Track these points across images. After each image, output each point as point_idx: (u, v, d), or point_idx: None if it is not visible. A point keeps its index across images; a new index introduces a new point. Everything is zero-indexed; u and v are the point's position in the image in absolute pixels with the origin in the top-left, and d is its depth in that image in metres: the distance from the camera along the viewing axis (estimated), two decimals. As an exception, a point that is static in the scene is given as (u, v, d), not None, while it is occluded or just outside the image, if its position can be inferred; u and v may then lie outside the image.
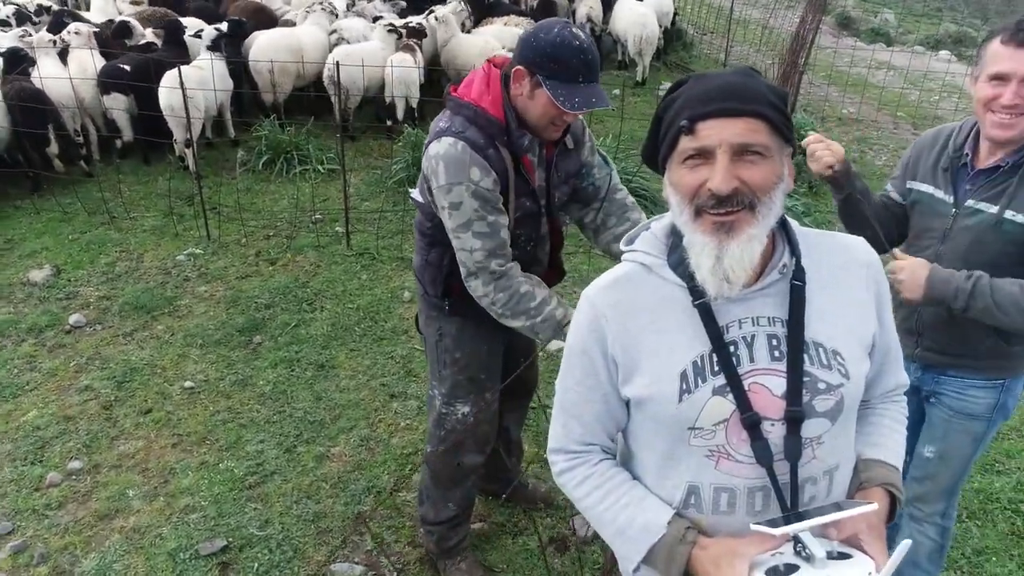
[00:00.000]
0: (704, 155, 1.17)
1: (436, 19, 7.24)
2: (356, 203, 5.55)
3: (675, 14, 10.00)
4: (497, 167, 1.93)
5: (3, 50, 5.95)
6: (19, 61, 5.82)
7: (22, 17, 7.37)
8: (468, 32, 7.85)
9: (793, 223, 1.31)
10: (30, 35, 6.46)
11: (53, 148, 5.78)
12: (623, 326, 1.27)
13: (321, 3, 7.42)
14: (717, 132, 1.15)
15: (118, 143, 6.27)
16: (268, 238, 5.19)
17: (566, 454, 1.36)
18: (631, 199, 2.32)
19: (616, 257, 2.25)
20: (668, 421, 1.23)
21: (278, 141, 6.21)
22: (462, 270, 2.02)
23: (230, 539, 2.81)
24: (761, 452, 1.18)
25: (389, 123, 6.91)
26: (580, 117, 2.07)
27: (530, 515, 2.90)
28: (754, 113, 1.15)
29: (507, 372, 2.42)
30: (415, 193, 2.14)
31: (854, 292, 1.29)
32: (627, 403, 1.31)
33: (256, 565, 2.71)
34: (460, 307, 2.18)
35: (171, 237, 5.17)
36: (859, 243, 1.35)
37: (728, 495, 1.23)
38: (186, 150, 5.88)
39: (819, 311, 1.24)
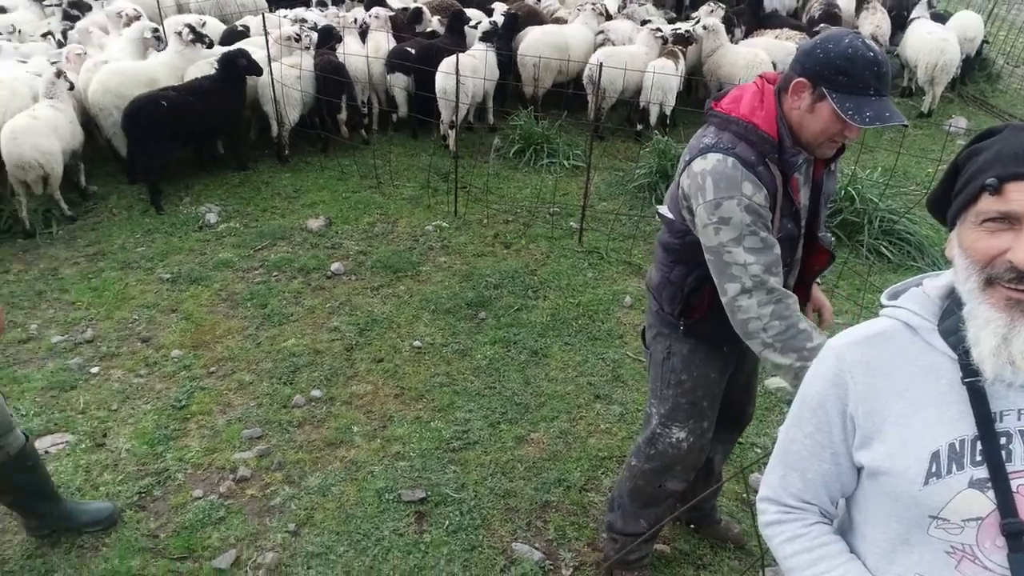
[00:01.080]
0: (1010, 220, 1.03)
1: (704, 28, 7.09)
2: (593, 201, 5.65)
3: (984, 41, 8.79)
4: (768, 185, 1.84)
5: (319, 27, 6.90)
6: (330, 38, 6.71)
7: (337, -2, 8.49)
8: (735, 42, 7.58)
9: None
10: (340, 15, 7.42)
11: (343, 115, 6.61)
12: (871, 387, 1.17)
13: (593, 4, 7.60)
14: None
15: (394, 117, 7.00)
16: (507, 222, 5.48)
17: (780, 506, 1.29)
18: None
19: None
20: (906, 502, 1.12)
21: (531, 132, 6.51)
22: (732, 288, 1.86)
23: (429, 492, 3.05)
24: (1021, 568, 1.03)
25: (639, 127, 6.92)
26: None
27: (717, 552, 2.79)
28: None
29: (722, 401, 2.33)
30: (663, 209, 2.10)
31: None
32: (859, 470, 1.21)
33: (447, 523, 2.91)
34: (695, 329, 2.13)
35: (424, 208, 5.67)
36: None
37: (965, 601, 1.09)
38: (449, 131, 6.40)
39: None
